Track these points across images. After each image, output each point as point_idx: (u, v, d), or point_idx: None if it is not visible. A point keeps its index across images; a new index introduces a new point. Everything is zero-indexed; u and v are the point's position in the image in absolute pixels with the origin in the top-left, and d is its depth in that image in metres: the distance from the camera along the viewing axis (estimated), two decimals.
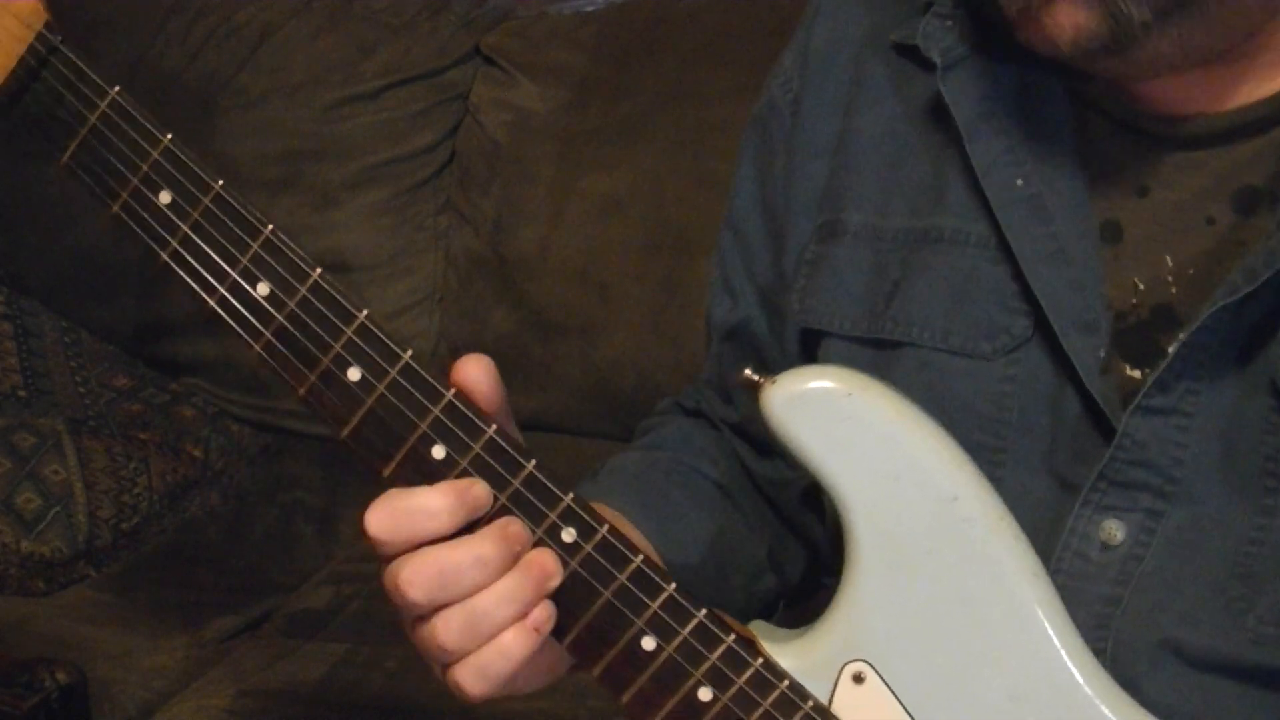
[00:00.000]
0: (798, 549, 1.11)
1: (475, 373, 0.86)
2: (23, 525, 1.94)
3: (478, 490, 0.85)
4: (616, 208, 1.98)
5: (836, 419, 0.87)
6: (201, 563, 2.01)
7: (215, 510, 2.10)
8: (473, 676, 0.84)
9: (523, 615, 0.84)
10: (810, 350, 1.05)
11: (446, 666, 0.84)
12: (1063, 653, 0.87)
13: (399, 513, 0.83)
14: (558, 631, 0.87)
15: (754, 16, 1.97)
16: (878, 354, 0.99)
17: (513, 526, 0.85)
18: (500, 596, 0.83)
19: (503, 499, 0.86)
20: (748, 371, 0.89)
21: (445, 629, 0.83)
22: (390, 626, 1.78)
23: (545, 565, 0.85)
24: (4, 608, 1.88)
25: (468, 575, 0.82)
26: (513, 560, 0.84)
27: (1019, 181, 0.93)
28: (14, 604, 1.90)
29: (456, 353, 2.08)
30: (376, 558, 0.86)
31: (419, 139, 2.11)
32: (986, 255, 0.95)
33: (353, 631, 1.83)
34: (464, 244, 2.09)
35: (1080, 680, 0.86)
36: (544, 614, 0.84)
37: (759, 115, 1.09)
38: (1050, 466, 0.93)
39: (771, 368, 1.07)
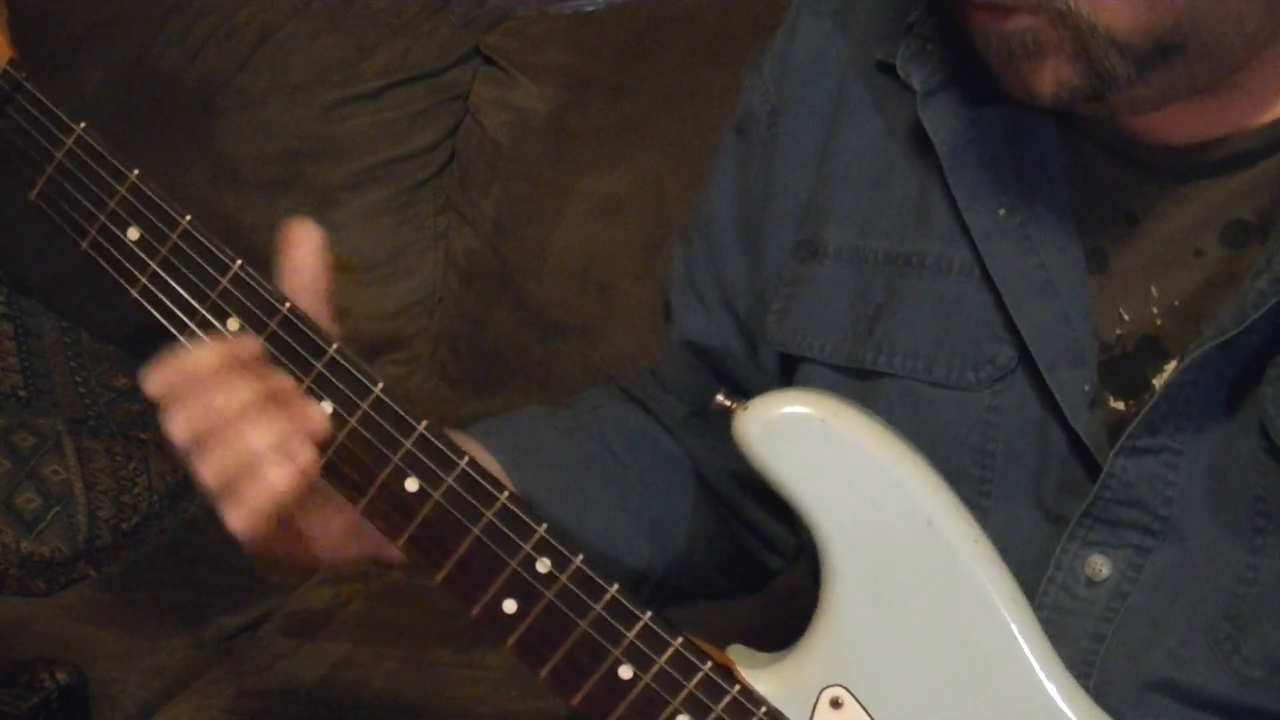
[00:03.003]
0: (689, 535, 1.08)
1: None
2: (23, 525, 1.94)
3: (245, 342, 0.87)
4: (616, 208, 1.97)
5: (812, 445, 0.87)
6: (201, 563, 2.00)
7: (215, 510, 2.09)
8: (235, 510, 0.85)
9: (283, 449, 0.85)
10: (789, 372, 1.02)
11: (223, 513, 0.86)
12: (1041, 675, 0.86)
13: (171, 370, 0.86)
14: (535, 661, 0.87)
15: (754, 16, 1.94)
16: (860, 383, 0.96)
17: (277, 380, 0.87)
18: (259, 428, 0.85)
19: (475, 531, 0.86)
20: (720, 397, 0.88)
21: (208, 463, 0.85)
22: (390, 626, 1.81)
23: (309, 412, 0.87)
24: (4, 608, 1.89)
25: (230, 414, 0.84)
26: (275, 405, 0.86)
27: (1001, 211, 0.91)
28: (14, 604, 1.91)
29: (457, 353, 2.10)
30: None
31: (419, 139, 2.10)
32: (971, 283, 0.93)
33: (353, 631, 1.83)
34: (464, 244, 2.08)
35: (1060, 702, 0.86)
36: (309, 455, 0.86)
37: (738, 125, 1.06)
38: (1037, 499, 0.91)
39: (745, 387, 1.05)
